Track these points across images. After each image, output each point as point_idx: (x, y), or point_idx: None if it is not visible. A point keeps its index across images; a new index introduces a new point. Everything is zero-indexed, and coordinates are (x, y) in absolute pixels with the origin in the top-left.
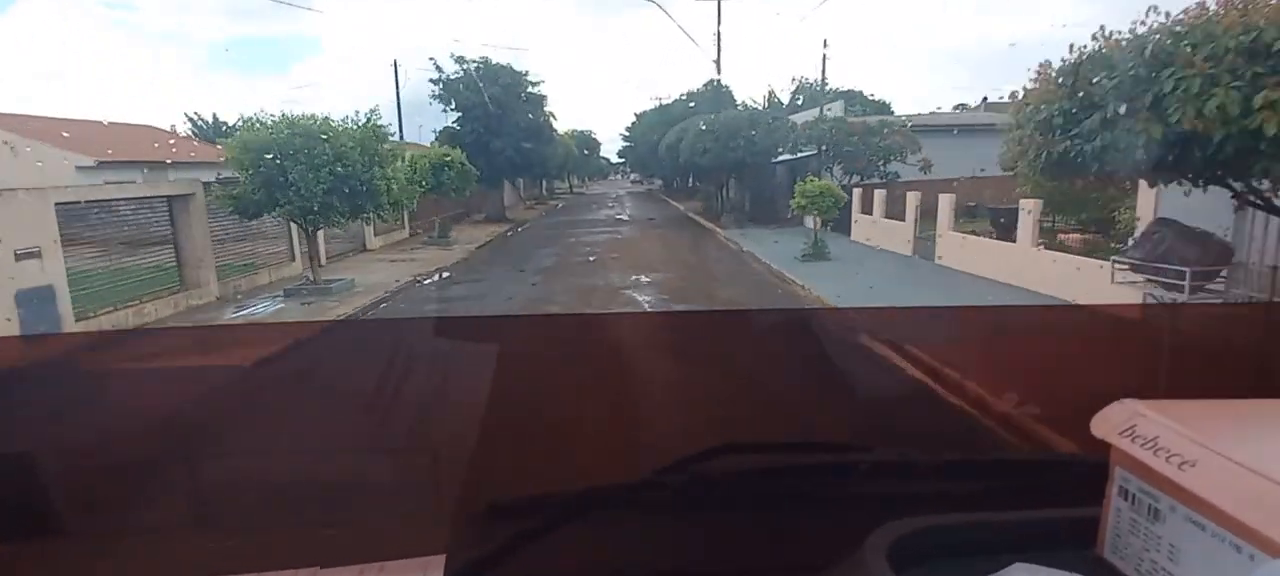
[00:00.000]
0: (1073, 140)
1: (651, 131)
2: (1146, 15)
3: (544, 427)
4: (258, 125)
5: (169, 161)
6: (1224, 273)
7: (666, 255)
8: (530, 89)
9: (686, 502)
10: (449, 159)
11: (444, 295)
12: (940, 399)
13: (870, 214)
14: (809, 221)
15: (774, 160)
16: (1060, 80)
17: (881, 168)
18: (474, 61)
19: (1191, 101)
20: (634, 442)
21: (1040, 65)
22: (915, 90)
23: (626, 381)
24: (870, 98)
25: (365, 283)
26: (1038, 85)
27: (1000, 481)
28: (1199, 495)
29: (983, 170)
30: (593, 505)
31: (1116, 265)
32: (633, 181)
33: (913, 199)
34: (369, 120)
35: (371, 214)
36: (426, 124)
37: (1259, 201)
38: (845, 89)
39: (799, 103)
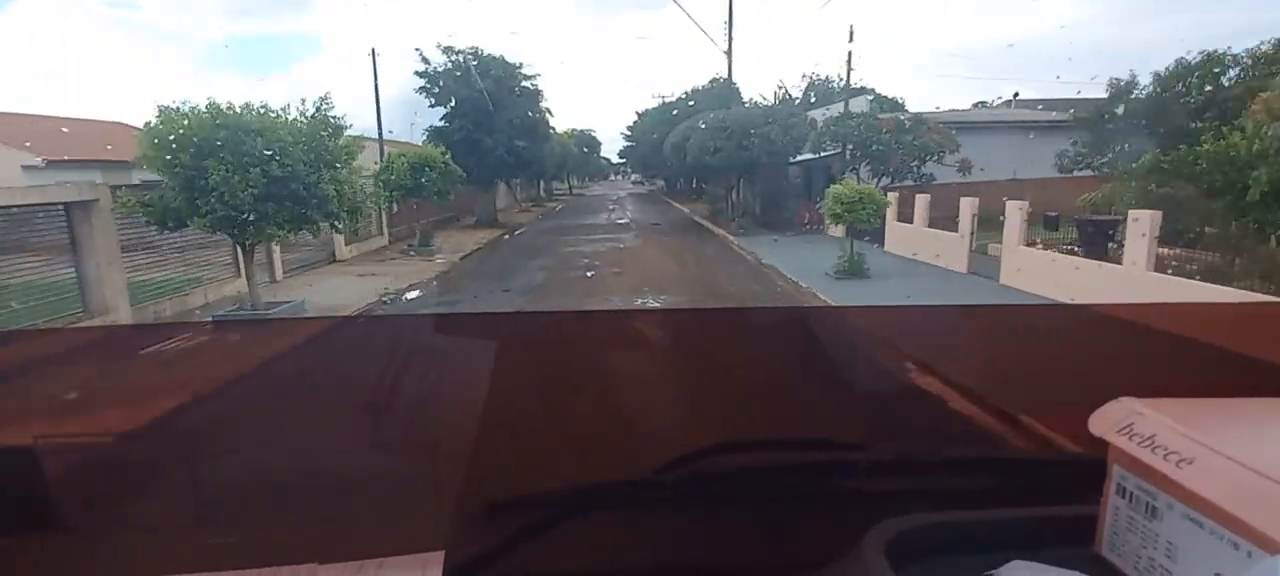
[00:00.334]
0: None
1: (654, 130)
2: None
3: (543, 424)
4: (175, 115)
5: (134, 160)
6: None
7: (675, 269)
8: (524, 83)
9: (685, 500)
10: (430, 158)
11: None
12: (938, 396)
13: (908, 221)
14: (832, 228)
15: (792, 160)
16: None
17: (916, 169)
18: (464, 52)
19: None
20: (633, 440)
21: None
22: (916, 90)
23: (625, 378)
24: (884, 96)
25: (319, 304)
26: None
27: (998, 479)
28: (1197, 492)
29: (1015, 173)
30: (591, 502)
31: None
32: (634, 182)
33: (968, 205)
34: (318, 110)
35: (318, 223)
36: (424, 121)
37: None
38: (857, 86)
39: (812, 100)
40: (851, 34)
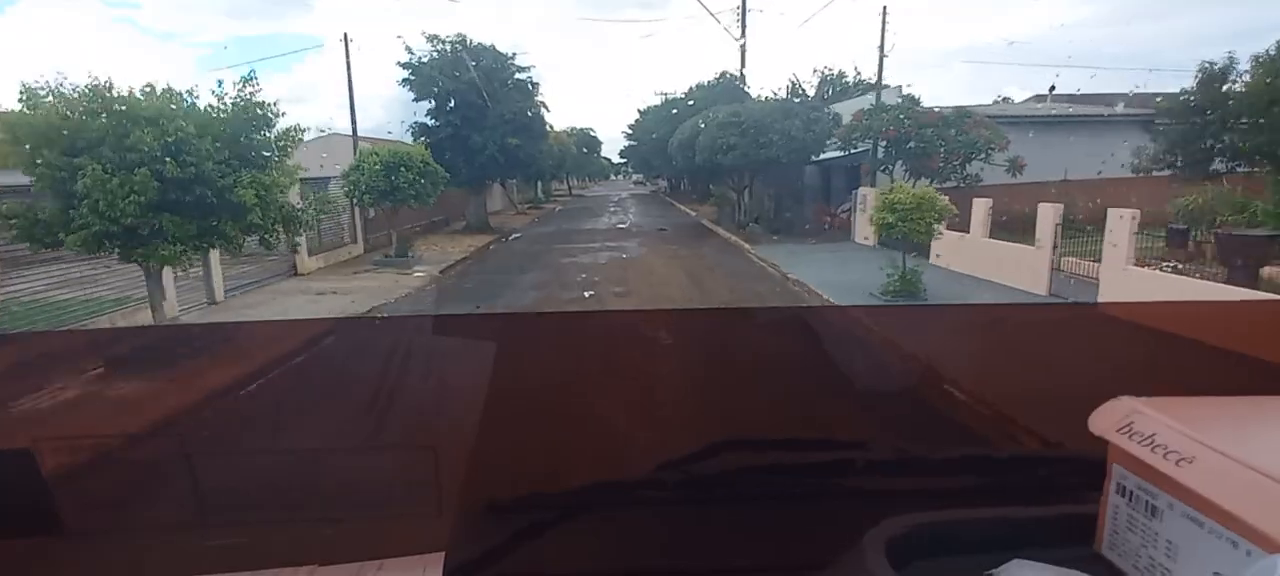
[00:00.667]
0: None
1: (657, 129)
2: None
3: (543, 425)
4: (39, 98)
5: None
6: None
7: (688, 287)
8: (518, 75)
9: (685, 500)
10: (407, 156)
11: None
12: (938, 396)
13: (958, 230)
14: (860, 234)
15: (814, 159)
16: None
17: (960, 168)
18: (450, 40)
19: None
20: (633, 440)
21: None
22: (921, 88)
23: (625, 378)
24: (903, 93)
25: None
26: None
27: (998, 478)
28: (1196, 491)
29: (1065, 173)
30: (591, 503)
31: None
32: (635, 182)
33: (1049, 212)
34: (241, 92)
35: (235, 238)
36: (419, 119)
37: None
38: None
39: (827, 95)
40: (884, 16)
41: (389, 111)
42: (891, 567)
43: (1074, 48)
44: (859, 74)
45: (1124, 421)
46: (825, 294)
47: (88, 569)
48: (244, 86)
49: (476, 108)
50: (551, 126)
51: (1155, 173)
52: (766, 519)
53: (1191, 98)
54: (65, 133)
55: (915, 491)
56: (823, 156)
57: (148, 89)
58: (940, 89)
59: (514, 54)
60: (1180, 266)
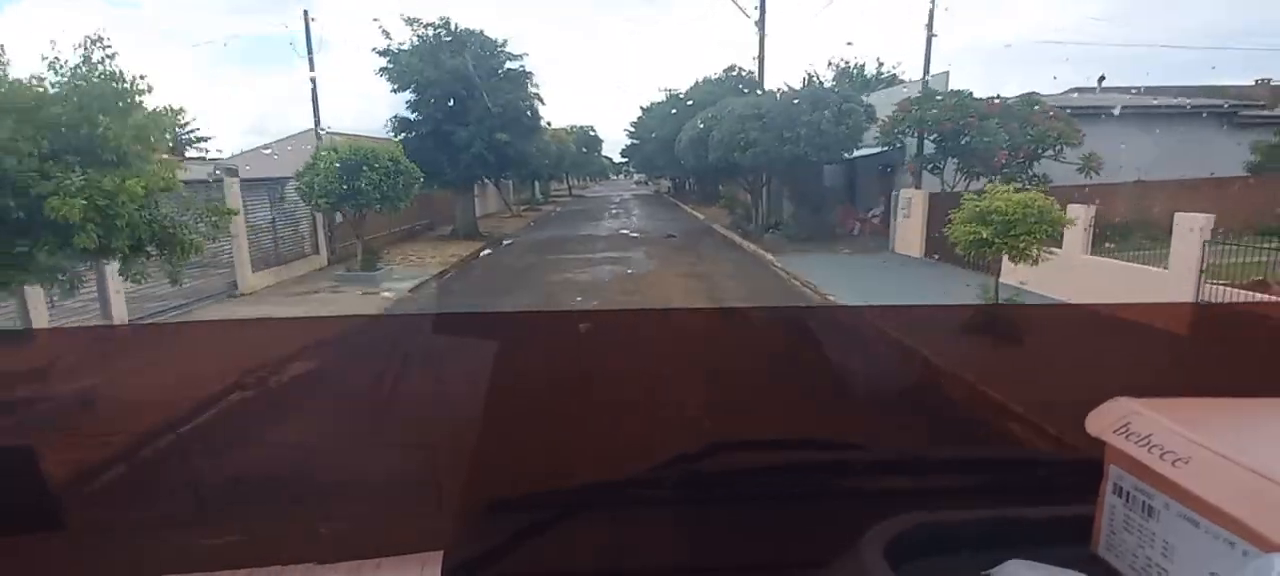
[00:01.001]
0: None
1: (661, 126)
2: None
3: (541, 424)
4: None
5: None
6: None
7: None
8: (509, 64)
9: (684, 500)
10: (372, 154)
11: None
12: (936, 396)
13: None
14: (898, 243)
15: (848, 156)
16: None
17: (1027, 167)
18: (433, 24)
19: None
20: (632, 439)
21: None
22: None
23: (624, 378)
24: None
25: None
26: None
27: (996, 478)
28: (1192, 492)
29: (1141, 173)
30: (590, 502)
31: None
32: (636, 182)
33: (1192, 222)
34: (86, 60)
35: (49, 269)
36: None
37: None
38: (889, 74)
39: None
40: None
41: (394, 109)
42: (890, 567)
43: (1068, 48)
44: (881, 66)
45: (1121, 422)
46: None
47: (88, 565)
48: (89, 53)
49: (461, 100)
50: (549, 123)
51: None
52: (765, 518)
53: None
54: None
55: (913, 491)
56: (867, 151)
57: None
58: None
59: (504, 41)
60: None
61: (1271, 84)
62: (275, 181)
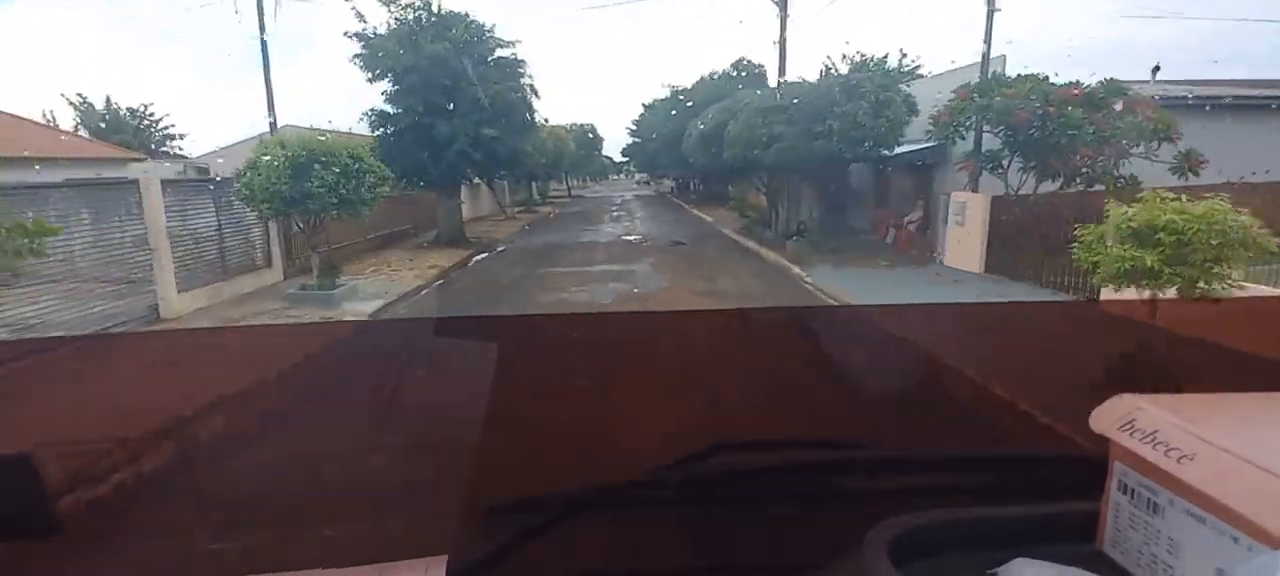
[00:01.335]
0: None
1: (665, 123)
2: None
3: (544, 427)
4: None
5: None
6: None
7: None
8: (499, 52)
9: (687, 501)
10: (324, 150)
11: None
12: (940, 395)
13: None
14: (949, 255)
15: (888, 153)
16: None
17: (1113, 166)
18: (413, 5)
19: None
20: (634, 441)
21: None
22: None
23: (626, 380)
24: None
25: None
26: None
27: (1000, 476)
28: (1198, 488)
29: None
30: (593, 504)
31: None
32: (637, 182)
33: None
34: None
35: None
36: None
37: None
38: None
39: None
40: None
41: (381, 103)
42: (893, 566)
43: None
44: (904, 58)
45: (1125, 419)
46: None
47: (91, 572)
48: None
49: (445, 90)
50: (547, 120)
51: None
52: (768, 519)
53: None
54: None
55: (917, 490)
56: (914, 147)
57: None
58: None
59: (493, 26)
60: None
61: None
62: (221, 182)
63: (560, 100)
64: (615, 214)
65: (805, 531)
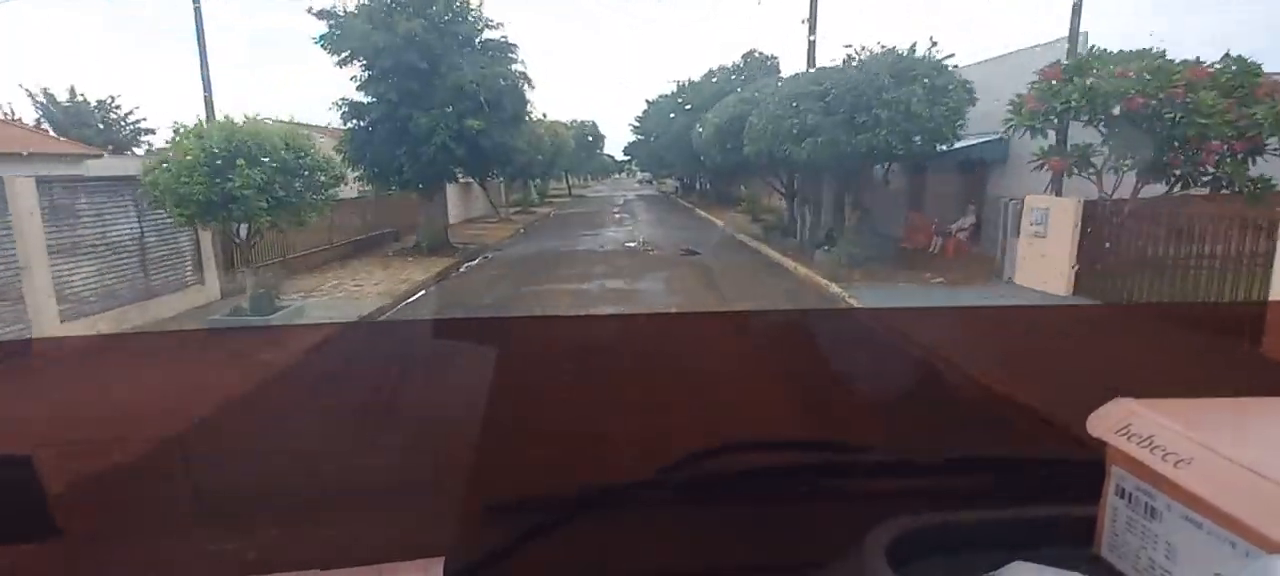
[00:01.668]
0: None
1: (671, 120)
2: None
3: (544, 428)
4: None
5: None
6: None
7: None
8: (486, 34)
9: (686, 501)
10: (253, 141)
11: None
12: (938, 397)
13: None
14: (1019, 271)
15: (944, 147)
16: None
17: (1243, 164)
18: None
19: None
20: (633, 442)
21: None
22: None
23: (626, 380)
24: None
25: None
26: None
27: (998, 479)
28: (1195, 493)
29: None
30: (593, 505)
31: None
32: (639, 182)
33: None
34: None
35: None
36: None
37: None
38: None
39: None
40: None
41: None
42: (891, 568)
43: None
44: (934, 46)
45: (1123, 423)
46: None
47: (91, 573)
48: None
49: (422, 76)
50: (545, 115)
51: None
52: (767, 520)
53: None
54: None
55: (915, 492)
56: (981, 138)
57: None
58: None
59: (480, 2)
60: None
61: None
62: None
63: (560, 96)
64: (617, 216)
65: (804, 532)
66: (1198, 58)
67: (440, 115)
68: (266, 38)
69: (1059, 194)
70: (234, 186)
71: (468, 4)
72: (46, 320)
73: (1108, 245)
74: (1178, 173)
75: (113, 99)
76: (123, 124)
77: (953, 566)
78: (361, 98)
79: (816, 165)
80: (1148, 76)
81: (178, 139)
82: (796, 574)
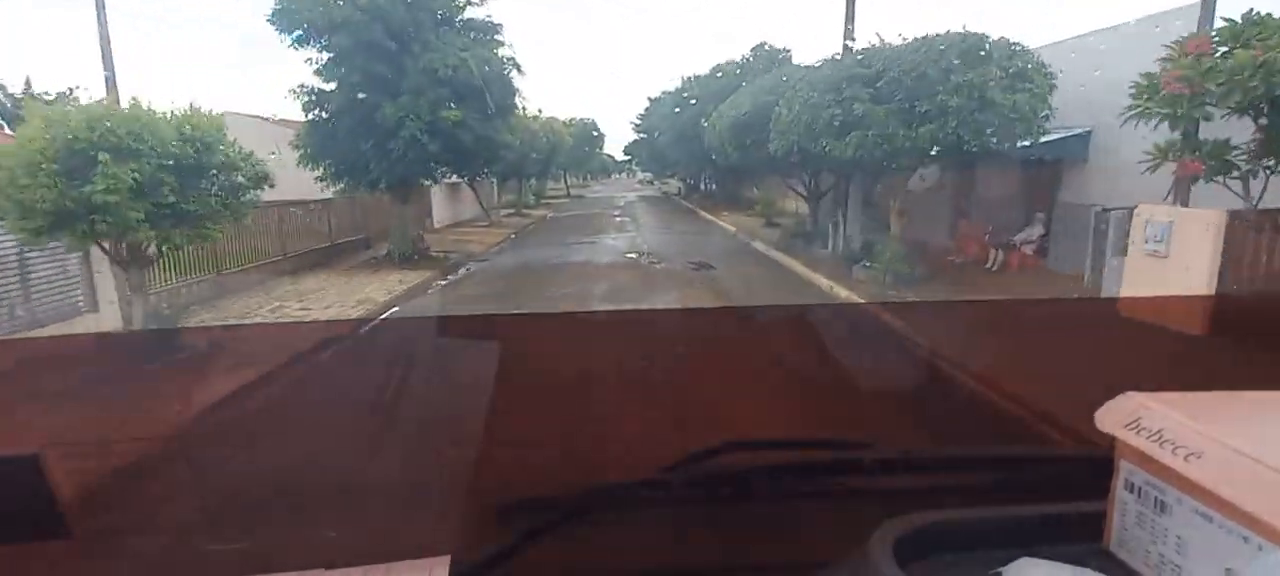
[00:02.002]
0: None
1: (675, 117)
2: None
3: (549, 427)
4: None
5: None
6: None
7: None
8: (468, 12)
9: (692, 500)
10: (123, 133)
11: None
12: (946, 393)
13: None
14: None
15: (1032, 142)
16: None
17: None
18: None
19: None
20: (639, 440)
21: None
22: None
23: (630, 379)
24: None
25: None
26: None
27: (1005, 475)
28: (1205, 487)
29: None
30: (598, 504)
31: None
32: (640, 182)
33: None
34: None
35: None
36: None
37: None
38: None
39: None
40: None
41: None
42: (898, 566)
43: None
44: (965, 30)
45: (1131, 417)
46: None
47: (96, 572)
48: None
49: (389, 57)
50: (541, 111)
51: None
52: (772, 518)
53: None
54: None
55: (922, 489)
56: (1063, 133)
57: None
58: None
59: None
60: None
61: None
62: None
63: (560, 95)
64: (618, 219)
65: (810, 530)
66: None
67: (411, 103)
68: (261, 36)
69: (1185, 203)
70: (96, 191)
71: None
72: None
73: (1261, 270)
74: None
75: (28, 82)
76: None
77: (961, 563)
78: (321, 84)
79: (865, 163)
80: None
81: (33, 129)
82: (803, 571)
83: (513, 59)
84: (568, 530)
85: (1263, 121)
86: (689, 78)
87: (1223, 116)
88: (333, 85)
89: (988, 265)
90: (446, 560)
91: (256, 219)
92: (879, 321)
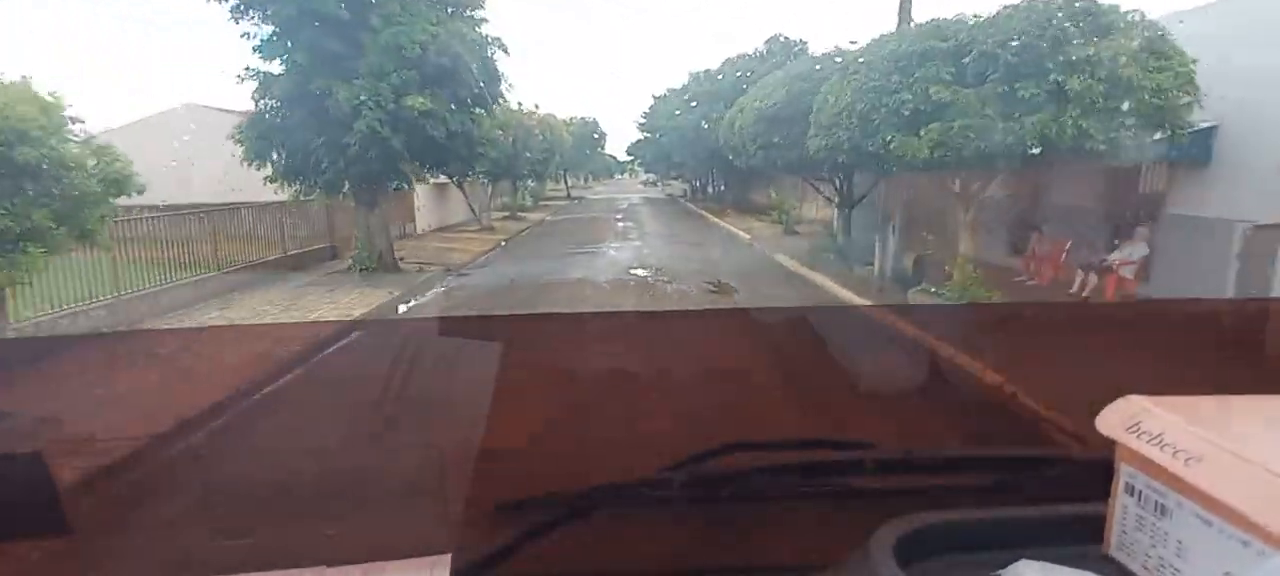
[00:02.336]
0: None
1: (682, 115)
2: None
3: (550, 426)
4: None
5: None
6: None
7: None
8: None
9: (693, 500)
10: None
11: None
12: (946, 395)
13: None
14: None
15: (1183, 138)
16: None
17: None
18: None
19: None
20: (639, 440)
21: None
22: None
23: (632, 379)
24: None
25: None
26: None
27: (1006, 478)
28: (1205, 491)
29: None
30: (598, 503)
31: None
32: (643, 183)
33: None
34: None
35: None
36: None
37: None
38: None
39: None
40: None
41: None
42: (899, 566)
43: None
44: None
45: (1132, 420)
46: None
47: (97, 569)
48: None
49: (343, 30)
50: (537, 105)
51: None
52: (773, 519)
53: None
54: None
55: (923, 490)
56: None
57: None
58: None
59: None
60: None
61: None
62: None
63: (560, 93)
64: (621, 225)
65: (811, 531)
66: None
67: (369, 88)
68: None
69: None
70: None
71: None
72: None
73: None
74: None
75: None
76: None
77: (961, 564)
78: (263, 65)
79: (943, 163)
80: None
81: None
82: (804, 572)
83: (497, 39)
84: (568, 530)
85: None
86: (697, 73)
87: None
88: (277, 66)
89: (1075, 290)
90: (447, 559)
91: (176, 227)
92: (877, 323)
